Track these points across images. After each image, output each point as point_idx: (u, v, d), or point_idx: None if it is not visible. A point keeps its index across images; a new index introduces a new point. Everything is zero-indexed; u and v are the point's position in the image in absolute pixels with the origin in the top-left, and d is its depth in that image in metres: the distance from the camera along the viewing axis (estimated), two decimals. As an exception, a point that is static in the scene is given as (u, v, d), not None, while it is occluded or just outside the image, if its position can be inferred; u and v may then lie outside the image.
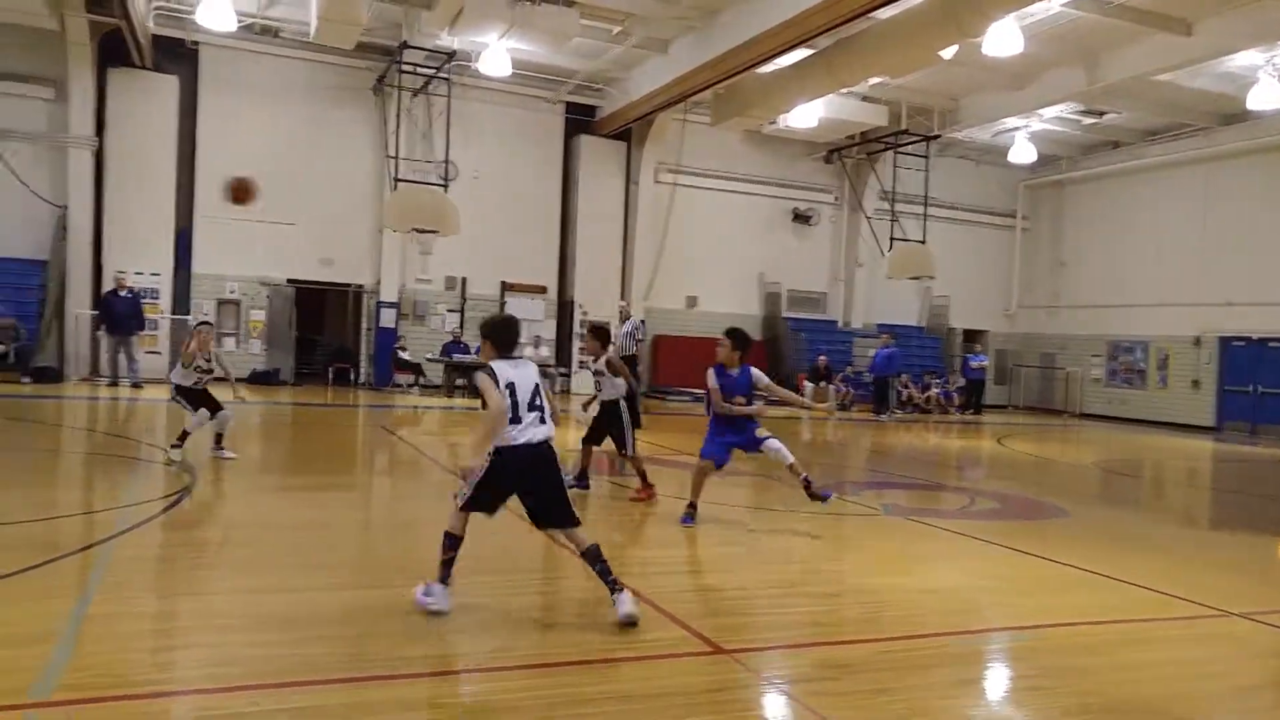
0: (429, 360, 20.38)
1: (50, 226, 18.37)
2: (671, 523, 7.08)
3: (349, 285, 21.02)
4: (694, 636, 4.44)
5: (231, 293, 19.88)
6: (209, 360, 8.87)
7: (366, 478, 10.20)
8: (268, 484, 8.81)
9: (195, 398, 8.85)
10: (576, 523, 4.63)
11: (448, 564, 4.56)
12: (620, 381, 8.01)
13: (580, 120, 22.43)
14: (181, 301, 19.40)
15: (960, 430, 19.20)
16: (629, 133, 22.31)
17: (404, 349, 20.66)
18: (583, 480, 8.21)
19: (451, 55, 17.61)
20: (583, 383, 22.38)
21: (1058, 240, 26.46)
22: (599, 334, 8.14)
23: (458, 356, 19.25)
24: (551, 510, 4.62)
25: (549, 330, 22.22)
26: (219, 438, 8.99)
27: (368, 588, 5.19)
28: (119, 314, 17.40)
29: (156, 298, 18.98)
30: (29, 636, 4.06)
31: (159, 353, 18.87)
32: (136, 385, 17.11)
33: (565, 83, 21.23)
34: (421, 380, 20.57)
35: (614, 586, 4.48)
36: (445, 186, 18.07)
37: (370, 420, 15.23)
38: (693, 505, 7.08)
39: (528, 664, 4.04)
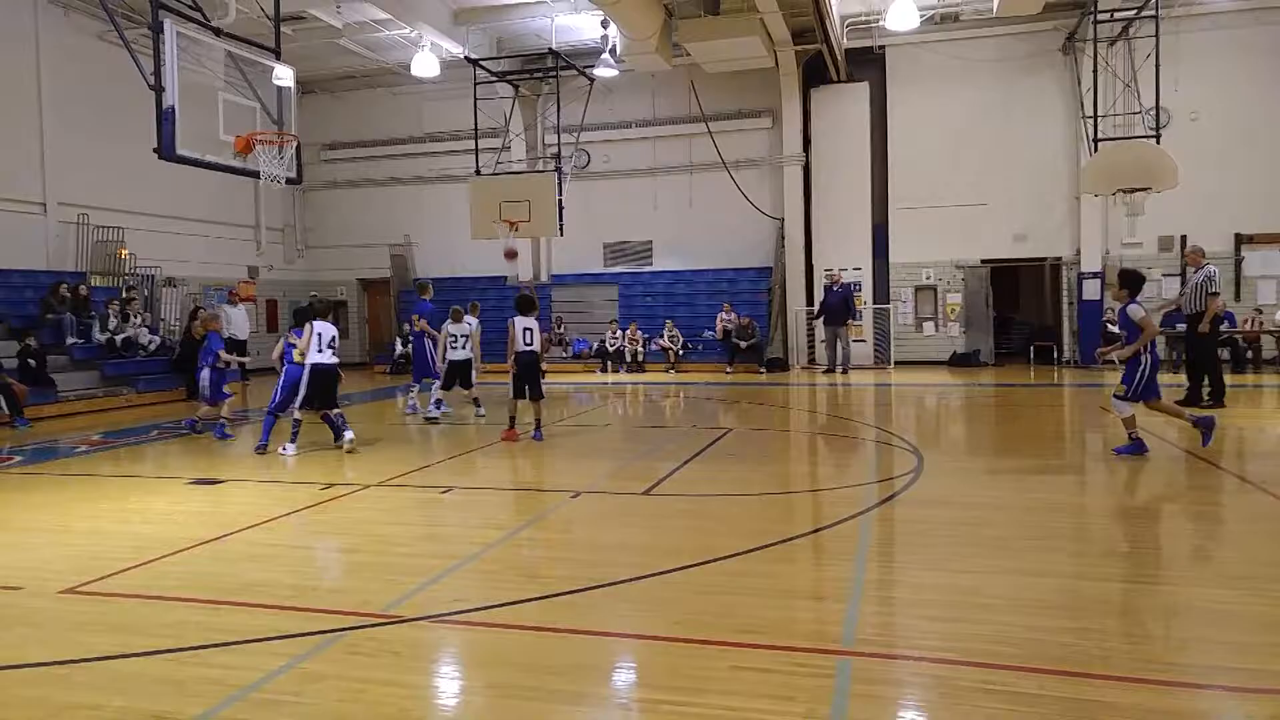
0: (1141, 333, 18.37)
1: (772, 238, 21.28)
2: None
3: (1045, 259, 20.13)
4: None
5: (927, 278, 20.57)
6: None
7: (1085, 460, 9.49)
8: (985, 465, 8.79)
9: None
10: None
11: None
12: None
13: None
14: (880, 291, 20.72)
15: None
16: None
17: (1112, 322, 18.97)
18: None
19: (1159, -13, 15.64)
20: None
21: None
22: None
23: (1180, 326, 16.93)
24: None
25: (1302, 286, 18.32)
26: None
27: (1119, 580, 4.81)
28: (829, 306, 19.26)
29: (859, 289, 20.61)
30: (825, 594, 4.64)
31: (863, 341, 20.48)
32: (845, 371, 18.74)
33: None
34: (1136, 355, 18.64)
35: None
36: (1157, 137, 16.08)
37: (1079, 400, 14.28)
38: None
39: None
